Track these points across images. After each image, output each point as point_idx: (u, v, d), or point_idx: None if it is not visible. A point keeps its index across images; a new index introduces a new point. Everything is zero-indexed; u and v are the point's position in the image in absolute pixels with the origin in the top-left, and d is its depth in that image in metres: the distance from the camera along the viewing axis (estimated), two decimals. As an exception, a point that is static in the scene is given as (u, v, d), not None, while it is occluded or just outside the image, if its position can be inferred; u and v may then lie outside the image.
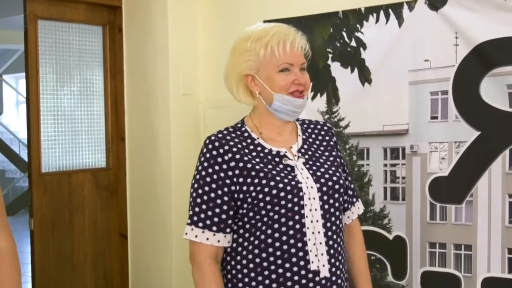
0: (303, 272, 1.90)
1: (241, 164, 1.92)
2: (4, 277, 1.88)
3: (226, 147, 1.94)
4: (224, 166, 1.93)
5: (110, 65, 4.16)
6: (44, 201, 3.85)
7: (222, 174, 1.93)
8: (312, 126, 2.14)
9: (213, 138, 1.97)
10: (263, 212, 1.90)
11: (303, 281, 1.90)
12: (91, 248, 4.07)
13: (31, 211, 3.81)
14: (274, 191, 1.89)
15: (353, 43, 3.28)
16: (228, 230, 1.94)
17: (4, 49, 11.08)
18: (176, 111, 3.93)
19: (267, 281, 1.90)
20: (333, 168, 2.03)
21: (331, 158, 2.07)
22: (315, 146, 2.08)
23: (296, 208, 1.90)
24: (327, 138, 2.12)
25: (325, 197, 1.95)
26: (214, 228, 1.93)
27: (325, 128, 2.15)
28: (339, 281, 1.97)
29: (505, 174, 2.88)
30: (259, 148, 1.99)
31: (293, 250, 1.90)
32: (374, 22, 3.21)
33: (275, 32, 1.96)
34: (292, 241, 1.90)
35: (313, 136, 2.10)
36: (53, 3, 3.89)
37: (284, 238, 1.90)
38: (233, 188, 1.92)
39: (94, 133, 4.15)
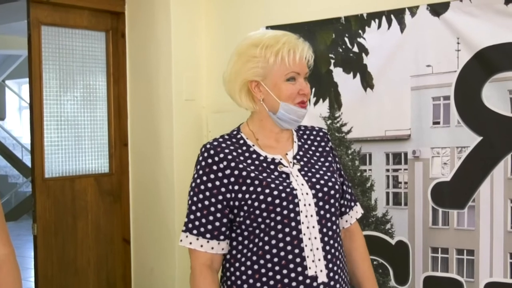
0: (300, 278, 1.91)
1: (236, 172, 1.94)
2: (3, 287, 1.83)
3: (221, 155, 1.96)
4: (220, 174, 1.95)
5: (113, 70, 4.17)
6: (47, 206, 3.86)
7: (217, 182, 1.94)
8: (308, 132, 2.15)
9: (208, 146, 1.99)
10: (260, 219, 1.92)
11: (301, 286, 1.91)
12: (94, 253, 4.07)
13: (34, 216, 3.82)
14: (269, 198, 1.91)
15: (355, 49, 3.29)
16: (222, 237, 1.96)
17: (7, 54, 11.09)
18: (179, 116, 3.94)
19: (265, 287, 1.92)
20: (329, 174, 2.04)
21: (327, 164, 2.08)
22: (310, 152, 2.09)
23: (291, 215, 1.92)
24: (322, 143, 2.13)
25: (320, 203, 1.97)
26: (208, 235, 1.95)
27: (321, 133, 2.16)
28: (338, 285, 1.98)
29: (507, 179, 2.89)
30: (254, 156, 2.00)
31: (290, 256, 1.91)
32: (376, 27, 3.22)
33: (286, 41, 1.97)
34: (289, 247, 1.91)
35: (309, 142, 2.12)
36: (56, 9, 3.90)
37: (281, 244, 1.91)
38: (228, 196, 1.94)
39: (97, 138, 4.16)
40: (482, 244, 2.96)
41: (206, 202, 1.95)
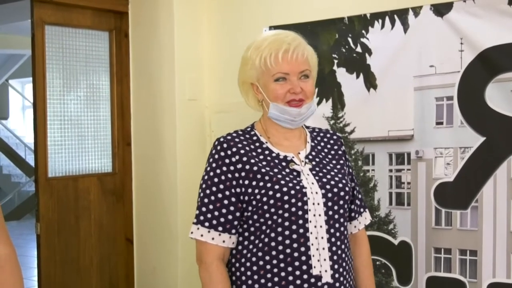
0: (305, 276, 1.91)
1: (247, 167, 1.94)
2: (5, 286, 1.82)
3: (234, 149, 1.97)
4: (231, 168, 1.95)
5: (116, 70, 4.17)
6: (51, 206, 3.86)
7: (229, 175, 1.95)
8: (321, 134, 2.15)
9: (222, 139, 2.00)
10: (267, 215, 1.92)
11: (305, 285, 1.91)
12: (97, 252, 4.08)
13: (37, 216, 3.83)
14: (278, 195, 1.91)
15: (359, 49, 3.29)
16: (233, 231, 1.96)
17: (10, 54, 11.11)
18: (182, 116, 3.95)
19: (269, 284, 1.92)
20: (340, 176, 2.04)
21: (338, 166, 2.08)
22: (323, 153, 2.09)
23: (300, 213, 1.92)
24: (335, 147, 2.14)
25: (329, 203, 1.97)
26: (220, 228, 1.95)
27: (334, 137, 2.16)
28: (342, 287, 1.98)
29: (510, 179, 2.89)
30: (266, 152, 2.01)
31: (296, 254, 1.91)
32: (379, 28, 3.22)
33: (270, 42, 1.97)
34: (295, 245, 1.92)
35: (322, 144, 2.12)
36: (60, 8, 3.90)
37: (288, 242, 1.92)
38: (238, 190, 1.95)
39: (100, 138, 4.16)
40: (485, 245, 2.96)
41: (220, 195, 1.95)
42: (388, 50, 3.20)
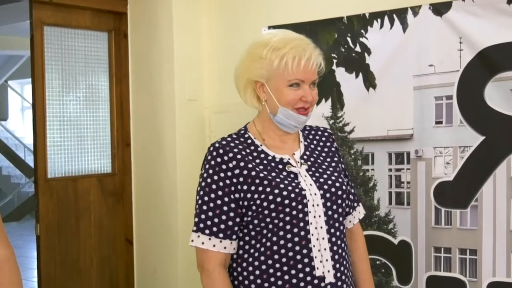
0: (308, 278, 1.92)
1: (245, 172, 1.94)
2: (4, 287, 1.83)
3: (230, 154, 1.95)
4: (229, 173, 1.94)
5: (115, 70, 4.17)
6: (50, 207, 3.86)
7: (227, 181, 1.94)
8: (313, 132, 2.15)
9: (217, 145, 1.98)
10: (268, 219, 1.92)
11: (309, 287, 1.91)
12: (97, 253, 4.08)
13: (37, 217, 3.83)
14: (278, 199, 1.91)
15: (358, 48, 3.29)
16: (234, 236, 1.96)
17: (9, 55, 11.11)
18: (182, 116, 3.95)
19: (273, 287, 1.92)
20: (336, 174, 2.04)
21: (333, 164, 2.08)
22: (316, 152, 2.09)
23: (300, 215, 1.92)
24: (328, 144, 2.14)
25: (328, 203, 1.97)
26: (221, 235, 1.94)
27: (326, 134, 2.16)
28: (344, 286, 1.99)
29: (510, 178, 2.89)
30: (262, 155, 2.00)
31: (298, 257, 1.91)
32: (378, 27, 3.22)
33: (294, 46, 1.95)
34: (297, 247, 1.91)
35: (315, 142, 2.12)
36: (59, 9, 3.91)
37: (289, 245, 1.91)
38: (237, 195, 1.94)
39: (99, 138, 4.16)
40: (485, 244, 2.96)
41: (218, 201, 1.94)
42: (387, 50, 3.20)
